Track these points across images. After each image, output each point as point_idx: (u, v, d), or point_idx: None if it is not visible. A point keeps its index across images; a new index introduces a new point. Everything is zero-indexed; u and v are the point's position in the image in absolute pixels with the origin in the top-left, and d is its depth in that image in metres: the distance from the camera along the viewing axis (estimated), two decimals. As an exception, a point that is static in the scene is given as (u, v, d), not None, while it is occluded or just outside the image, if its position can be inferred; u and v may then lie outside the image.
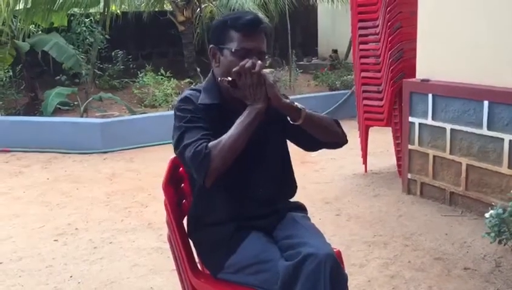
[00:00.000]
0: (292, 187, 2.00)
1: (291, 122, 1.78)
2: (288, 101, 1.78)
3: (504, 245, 2.87)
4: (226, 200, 1.84)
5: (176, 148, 1.78)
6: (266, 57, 1.82)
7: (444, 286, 2.76)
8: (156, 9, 9.93)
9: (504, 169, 3.42)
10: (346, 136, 1.94)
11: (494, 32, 3.45)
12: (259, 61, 1.70)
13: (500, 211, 2.78)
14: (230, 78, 1.73)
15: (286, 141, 1.97)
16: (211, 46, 1.85)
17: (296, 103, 1.78)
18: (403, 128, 4.23)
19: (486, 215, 2.82)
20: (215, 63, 1.84)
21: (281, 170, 1.95)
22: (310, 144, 1.92)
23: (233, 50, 1.76)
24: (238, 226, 1.82)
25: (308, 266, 1.58)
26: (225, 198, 1.83)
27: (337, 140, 1.91)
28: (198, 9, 9.40)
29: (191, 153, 1.67)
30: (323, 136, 1.86)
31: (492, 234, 2.77)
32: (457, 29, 3.68)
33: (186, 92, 1.87)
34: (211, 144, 1.68)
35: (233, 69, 1.70)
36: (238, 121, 1.71)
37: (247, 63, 1.69)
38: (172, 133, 1.80)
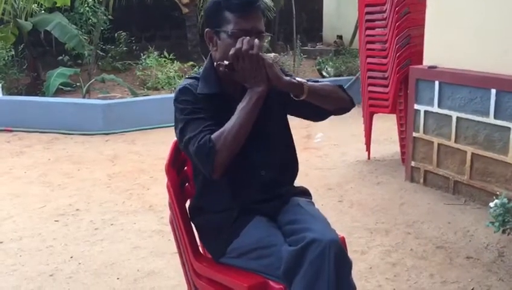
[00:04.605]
0: (295, 169, 1.97)
1: (295, 98, 1.73)
2: (288, 78, 1.73)
3: (508, 235, 2.84)
4: (229, 184, 1.80)
5: (179, 141, 1.74)
6: (264, 35, 1.75)
7: (445, 275, 2.75)
8: (160, -9, 9.83)
9: (509, 158, 3.38)
10: (352, 100, 1.89)
11: (504, 20, 3.39)
12: (256, 40, 1.64)
13: (505, 200, 2.76)
14: (227, 62, 1.67)
15: (288, 123, 1.93)
16: (206, 29, 1.79)
17: (297, 78, 1.73)
18: (407, 115, 4.19)
19: (491, 204, 2.80)
20: (213, 47, 1.79)
21: (283, 152, 1.92)
22: (317, 115, 1.87)
23: (229, 32, 1.70)
24: (241, 211, 1.80)
25: (313, 252, 1.56)
26: (229, 182, 1.80)
27: (344, 105, 1.86)
28: (203, -9, 9.30)
29: (195, 147, 1.63)
30: (330, 104, 1.82)
31: (497, 224, 2.75)
32: (466, 15, 3.62)
33: (184, 82, 1.81)
34: (213, 136, 1.63)
35: (230, 52, 1.64)
36: (239, 108, 1.66)
37: (244, 44, 1.63)
38: (175, 124, 1.76)
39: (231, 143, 1.63)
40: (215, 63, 1.76)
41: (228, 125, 1.64)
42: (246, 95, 1.67)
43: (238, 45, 1.63)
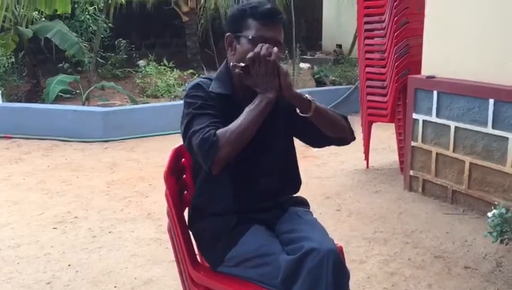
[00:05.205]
0: (296, 182, 1.98)
1: (300, 114, 1.75)
2: (298, 91, 1.75)
3: (506, 245, 2.85)
4: (229, 191, 1.82)
5: (184, 135, 1.75)
6: (282, 47, 1.78)
7: (444, 285, 2.74)
8: (161, -1, 9.89)
9: (507, 168, 3.39)
10: (353, 133, 1.91)
11: (502, 30, 3.41)
12: (275, 48, 1.67)
13: (503, 210, 2.76)
14: (243, 64, 1.70)
15: (292, 136, 1.95)
16: (227, 34, 1.82)
17: (306, 95, 1.76)
18: (406, 124, 4.20)
19: (489, 214, 2.80)
20: (231, 51, 1.81)
21: (285, 163, 1.93)
22: (317, 139, 1.89)
23: (250, 37, 1.74)
24: (239, 218, 1.80)
25: (310, 261, 1.56)
26: (228, 188, 1.81)
27: (345, 136, 1.88)
28: (203, 0, 9.35)
29: (198, 139, 1.65)
30: (331, 130, 1.83)
31: (495, 234, 2.75)
32: (465, 25, 3.64)
33: (198, 79, 1.85)
34: (219, 131, 1.65)
35: (248, 55, 1.67)
36: (247, 110, 1.68)
37: (262, 49, 1.65)
38: (181, 119, 1.77)
39: (235, 141, 1.64)
40: (230, 64, 1.79)
41: (234, 124, 1.66)
42: (256, 98, 1.69)
43: (257, 49, 1.66)
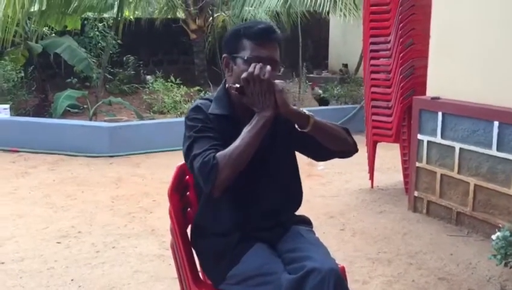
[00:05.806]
0: (298, 199, 1.99)
1: (299, 129, 1.77)
2: (295, 107, 1.77)
3: (510, 268, 2.82)
4: (231, 210, 1.83)
5: (185, 157, 1.77)
6: (278, 65, 1.81)
7: (447, 307, 2.72)
8: (169, 17, 10.02)
9: (512, 191, 3.38)
10: (356, 144, 1.92)
11: (508, 52, 3.43)
12: (268, 67, 1.69)
13: (507, 233, 2.75)
14: (238, 85, 1.72)
15: (294, 153, 1.96)
16: (224, 55, 1.85)
17: (304, 110, 1.77)
18: (411, 145, 4.20)
19: (493, 237, 2.79)
20: (228, 72, 1.84)
21: (287, 181, 1.94)
22: (319, 153, 1.90)
23: (245, 58, 1.76)
24: (242, 237, 1.81)
25: (312, 281, 1.57)
26: (231, 208, 1.82)
27: (347, 148, 1.89)
28: (211, 18, 9.47)
29: (199, 163, 1.67)
30: (332, 143, 1.84)
31: (499, 257, 2.73)
32: (470, 47, 3.67)
33: (198, 102, 1.88)
34: (218, 154, 1.67)
35: (242, 76, 1.69)
36: (245, 130, 1.70)
37: (256, 69, 1.68)
38: (183, 142, 1.79)
39: (234, 163, 1.66)
40: (227, 85, 1.81)
41: (233, 145, 1.68)
42: (254, 118, 1.71)
43: (250, 70, 1.68)
